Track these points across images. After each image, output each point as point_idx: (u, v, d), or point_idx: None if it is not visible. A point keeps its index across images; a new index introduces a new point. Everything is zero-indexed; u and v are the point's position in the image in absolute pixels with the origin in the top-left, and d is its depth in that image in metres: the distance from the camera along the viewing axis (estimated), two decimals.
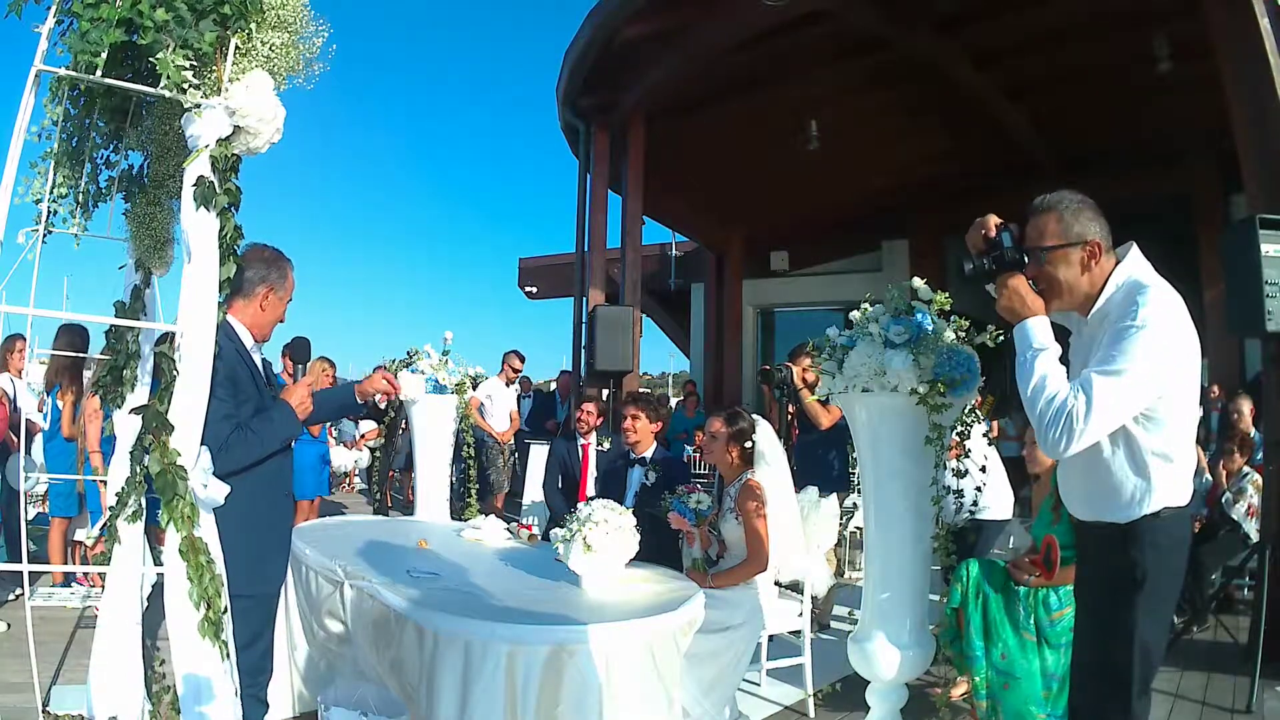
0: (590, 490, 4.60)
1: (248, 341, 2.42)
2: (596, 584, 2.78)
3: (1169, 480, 1.80)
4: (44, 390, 5.13)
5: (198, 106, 2.13)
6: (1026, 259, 1.92)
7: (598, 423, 4.81)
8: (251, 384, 2.38)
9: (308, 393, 2.49)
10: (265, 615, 2.41)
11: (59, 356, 4.74)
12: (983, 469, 3.91)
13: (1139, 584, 1.78)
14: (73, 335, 4.52)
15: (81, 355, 4.47)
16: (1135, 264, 1.89)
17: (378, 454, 8.15)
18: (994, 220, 1.97)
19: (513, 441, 7.97)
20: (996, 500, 4.01)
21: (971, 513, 3.41)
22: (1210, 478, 5.44)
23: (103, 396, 2.61)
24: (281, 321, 2.55)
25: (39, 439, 5.08)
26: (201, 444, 2.17)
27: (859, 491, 2.62)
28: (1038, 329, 1.86)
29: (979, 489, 3.70)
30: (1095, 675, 1.90)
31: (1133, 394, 1.73)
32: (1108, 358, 1.74)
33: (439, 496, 4.56)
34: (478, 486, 4.80)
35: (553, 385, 11.03)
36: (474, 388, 4.73)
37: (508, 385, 7.92)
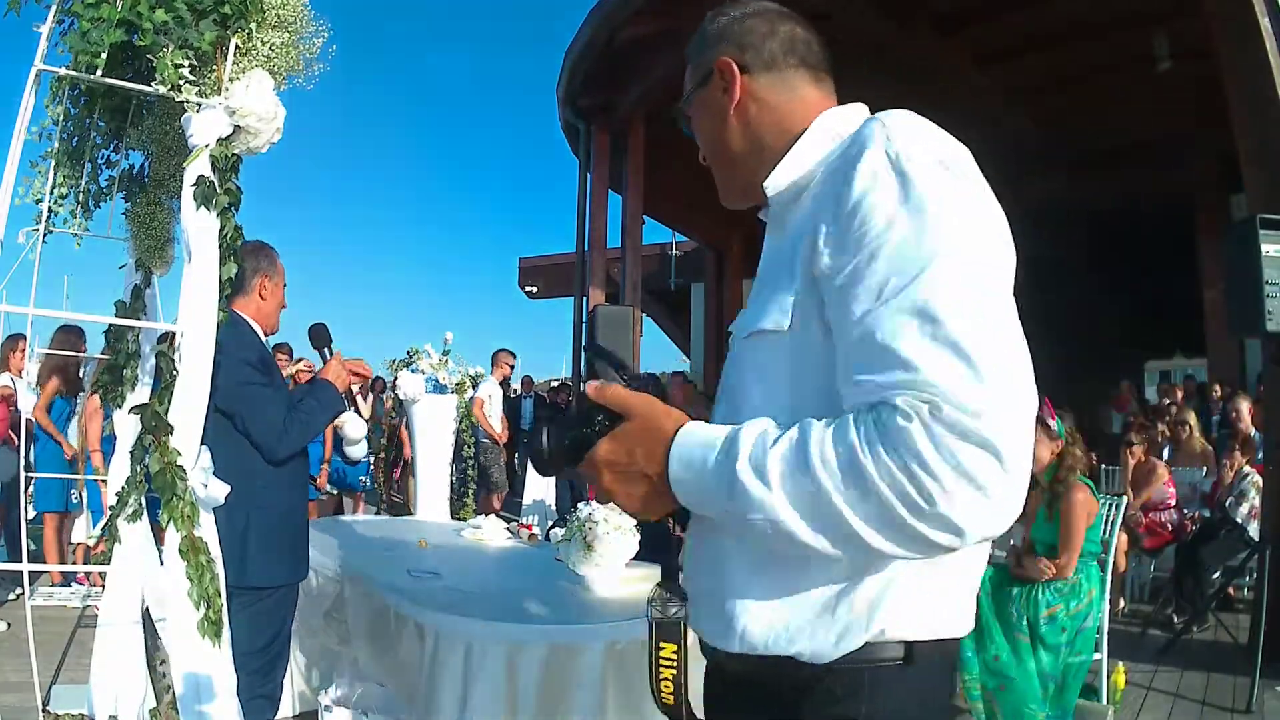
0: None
1: (260, 337, 2.46)
2: (596, 584, 2.78)
3: None
4: (35, 386, 5.13)
5: (196, 104, 2.13)
6: (601, 418, 0.89)
7: None
8: (278, 373, 2.43)
9: (343, 368, 2.54)
10: (291, 605, 2.45)
11: (50, 356, 4.76)
12: None
13: None
14: (69, 334, 4.52)
15: (77, 355, 4.48)
16: (862, 111, 1.08)
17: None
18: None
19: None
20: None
21: None
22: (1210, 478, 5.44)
23: (103, 396, 2.62)
24: (284, 307, 2.58)
25: None
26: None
27: None
28: (694, 448, 0.82)
29: None
30: None
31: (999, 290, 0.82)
32: (905, 260, 0.79)
33: (439, 496, 4.55)
34: (475, 487, 4.79)
35: (553, 384, 10.99)
36: (474, 388, 4.72)
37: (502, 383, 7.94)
